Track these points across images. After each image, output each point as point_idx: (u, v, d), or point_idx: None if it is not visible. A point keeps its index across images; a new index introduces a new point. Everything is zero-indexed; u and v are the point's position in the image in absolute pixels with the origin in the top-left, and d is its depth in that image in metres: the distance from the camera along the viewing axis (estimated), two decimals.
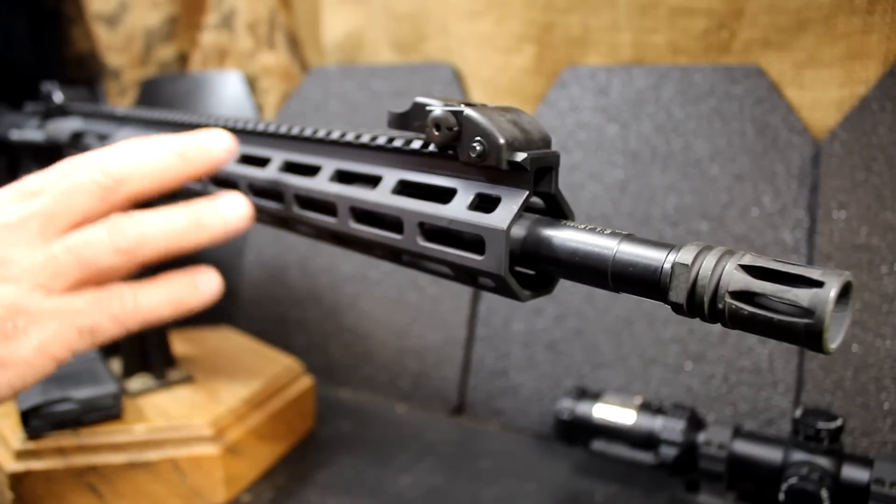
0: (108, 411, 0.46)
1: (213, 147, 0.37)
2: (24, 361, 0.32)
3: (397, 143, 0.33)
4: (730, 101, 0.53)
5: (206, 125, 0.44)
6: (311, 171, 0.37)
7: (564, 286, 0.55)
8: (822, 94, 0.51)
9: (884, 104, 0.47)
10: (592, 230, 0.27)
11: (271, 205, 0.39)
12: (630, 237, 0.26)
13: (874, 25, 0.48)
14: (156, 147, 0.36)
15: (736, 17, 0.53)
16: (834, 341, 0.22)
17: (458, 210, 0.29)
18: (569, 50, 0.60)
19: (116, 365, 0.52)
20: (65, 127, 0.56)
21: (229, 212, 0.36)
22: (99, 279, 0.34)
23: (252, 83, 0.80)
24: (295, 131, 0.38)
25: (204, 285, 0.37)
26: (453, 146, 0.29)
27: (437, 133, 0.29)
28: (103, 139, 0.53)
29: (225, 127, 0.43)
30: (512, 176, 0.28)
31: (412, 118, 0.31)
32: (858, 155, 0.48)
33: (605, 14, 0.57)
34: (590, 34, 0.59)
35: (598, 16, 0.58)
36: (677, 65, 0.55)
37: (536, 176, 0.28)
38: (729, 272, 0.23)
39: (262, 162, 0.40)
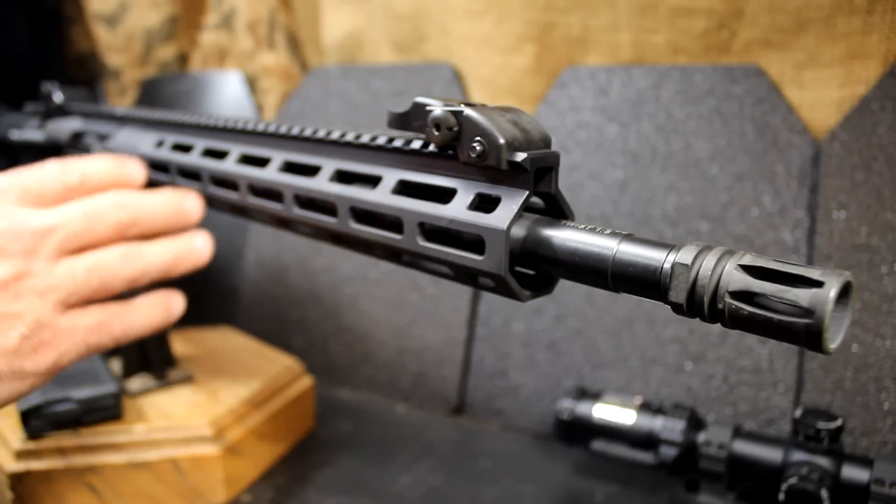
0: (108, 411, 0.46)
1: (189, 209, 0.43)
2: (42, 373, 0.34)
3: (397, 143, 0.33)
4: (730, 101, 0.53)
5: (206, 125, 0.44)
6: (311, 171, 0.37)
7: (564, 286, 0.55)
8: (822, 94, 0.51)
9: (884, 104, 0.47)
10: (592, 230, 0.27)
11: (271, 205, 0.39)
12: (630, 237, 0.26)
13: (874, 25, 0.48)
14: (161, 199, 0.42)
15: (736, 17, 0.53)
16: (834, 341, 0.22)
17: (458, 210, 0.29)
18: (569, 50, 0.60)
19: (116, 365, 0.52)
20: (65, 127, 0.56)
21: (200, 248, 0.43)
22: (102, 298, 0.38)
23: (252, 83, 0.80)
24: (295, 131, 0.38)
25: (174, 305, 0.43)
26: (453, 146, 0.30)
27: (437, 133, 0.29)
28: (103, 139, 0.53)
29: (225, 127, 0.43)
30: (512, 176, 0.28)
31: (412, 118, 0.31)
32: (858, 155, 0.48)
33: (605, 14, 0.57)
34: (590, 34, 0.59)
35: (598, 16, 0.58)
36: (677, 65, 0.55)
37: (536, 176, 0.28)
38: (729, 272, 0.23)
39: (262, 162, 0.40)
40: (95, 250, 0.38)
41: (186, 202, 0.43)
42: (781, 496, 0.39)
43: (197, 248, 0.43)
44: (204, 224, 0.45)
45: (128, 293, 0.41)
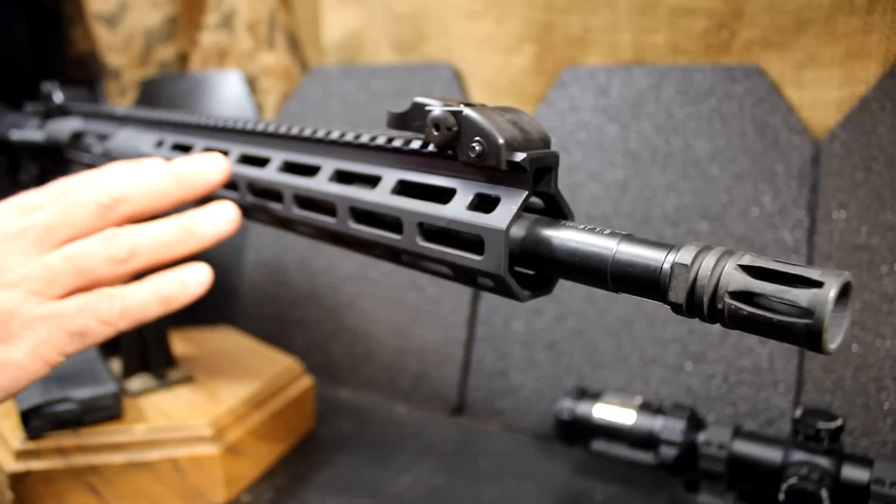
0: (108, 411, 0.46)
1: (208, 170, 0.39)
2: (18, 364, 0.33)
3: (397, 143, 0.33)
4: (730, 101, 0.53)
5: (206, 125, 0.44)
6: (311, 171, 0.37)
7: (564, 286, 0.55)
8: (822, 94, 0.51)
9: (884, 104, 0.47)
10: (592, 230, 0.27)
11: (271, 205, 0.39)
12: (629, 237, 0.26)
13: (874, 25, 0.48)
14: (154, 170, 0.38)
15: (736, 17, 0.53)
16: (833, 341, 0.22)
17: (457, 210, 0.29)
18: (569, 50, 0.60)
19: (116, 365, 0.52)
20: (65, 127, 0.56)
21: (218, 218, 0.38)
22: (94, 287, 0.36)
23: (252, 83, 0.80)
24: (295, 131, 0.38)
25: (192, 280, 0.37)
26: (452, 146, 0.29)
27: (436, 133, 0.29)
28: (103, 139, 0.53)
29: (225, 127, 0.43)
30: (511, 176, 0.28)
31: (411, 118, 0.31)
32: (858, 155, 0.48)
33: (605, 14, 0.57)
34: (590, 34, 0.59)
35: (598, 16, 0.58)
36: (677, 65, 0.55)
37: (536, 176, 0.28)
38: (728, 272, 0.23)
39: (261, 162, 0.40)
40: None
41: (202, 165, 0.39)
42: (781, 496, 0.39)
43: (211, 216, 0.38)
44: None
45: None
